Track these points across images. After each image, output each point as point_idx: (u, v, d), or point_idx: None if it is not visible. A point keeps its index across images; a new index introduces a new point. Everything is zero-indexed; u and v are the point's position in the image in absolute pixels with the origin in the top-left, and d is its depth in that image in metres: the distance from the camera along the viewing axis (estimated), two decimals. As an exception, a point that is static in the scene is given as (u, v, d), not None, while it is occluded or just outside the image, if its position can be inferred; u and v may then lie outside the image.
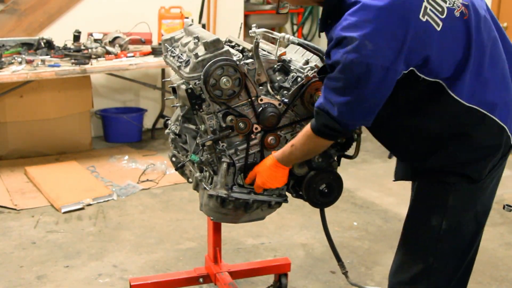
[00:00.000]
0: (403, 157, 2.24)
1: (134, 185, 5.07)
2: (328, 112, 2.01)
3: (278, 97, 2.42)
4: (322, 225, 2.65)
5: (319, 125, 2.07)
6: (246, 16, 7.39)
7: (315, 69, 2.38)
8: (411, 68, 1.97)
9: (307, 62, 2.44)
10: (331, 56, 1.96)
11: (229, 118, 2.37)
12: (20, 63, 5.08)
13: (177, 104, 2.71)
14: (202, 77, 2.28)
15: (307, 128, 2.13)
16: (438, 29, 1.97)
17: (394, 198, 4.90)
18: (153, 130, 6.49)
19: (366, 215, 4.62)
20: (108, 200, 4.79)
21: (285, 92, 2.41)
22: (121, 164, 5.55)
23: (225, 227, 3.61)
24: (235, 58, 2.32)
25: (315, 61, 2.44)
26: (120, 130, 6.25)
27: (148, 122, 6.65)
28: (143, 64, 5.37)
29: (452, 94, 2.01)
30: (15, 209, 4.59)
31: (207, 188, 2.48)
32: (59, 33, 5.81)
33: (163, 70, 6.24)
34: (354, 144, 2.50)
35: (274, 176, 2.33)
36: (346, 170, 5.21)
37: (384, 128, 2.15)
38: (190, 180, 2.82)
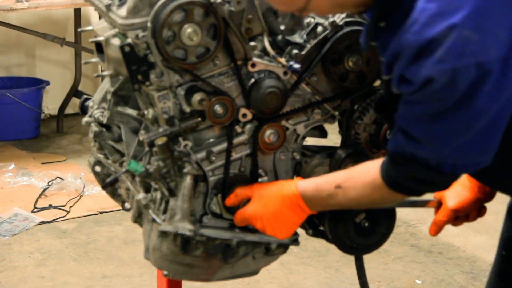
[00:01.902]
0: None
1: (27, 215, 4.26)
2: (414, 156, 1.73)
3: (283, 60, 2.06)
4: (359, 285, 2.24)
5: (402, 177, 1.79)
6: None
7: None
8: None
9: (334, 0, 2.17)
10: (408, 75, 1.65)
11: (197, 97, 2.02)
12: None
13: (105, 73, 2.29)
14: (149, 24, 1.96)
15: (374, 174, 1.84)
16: None
17: (487, 236, 4.07)
18: (60, 117, 5.67)
19: (438, 267, 3.86)
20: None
21: (295, 51, 2.07)
22: (3, 178, 4.73)
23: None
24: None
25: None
26: (1, 118, 5.39)
27: (51, 103, 5.88)
28: (42, 1, 4.73)
29: None
30: None
31: (157, 220, 2.10)
32: None
33: (78, 12, 5.47)
34: None
35: (286, 219, 1.99)
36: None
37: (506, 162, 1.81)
38: (127, 205, 2.44)
